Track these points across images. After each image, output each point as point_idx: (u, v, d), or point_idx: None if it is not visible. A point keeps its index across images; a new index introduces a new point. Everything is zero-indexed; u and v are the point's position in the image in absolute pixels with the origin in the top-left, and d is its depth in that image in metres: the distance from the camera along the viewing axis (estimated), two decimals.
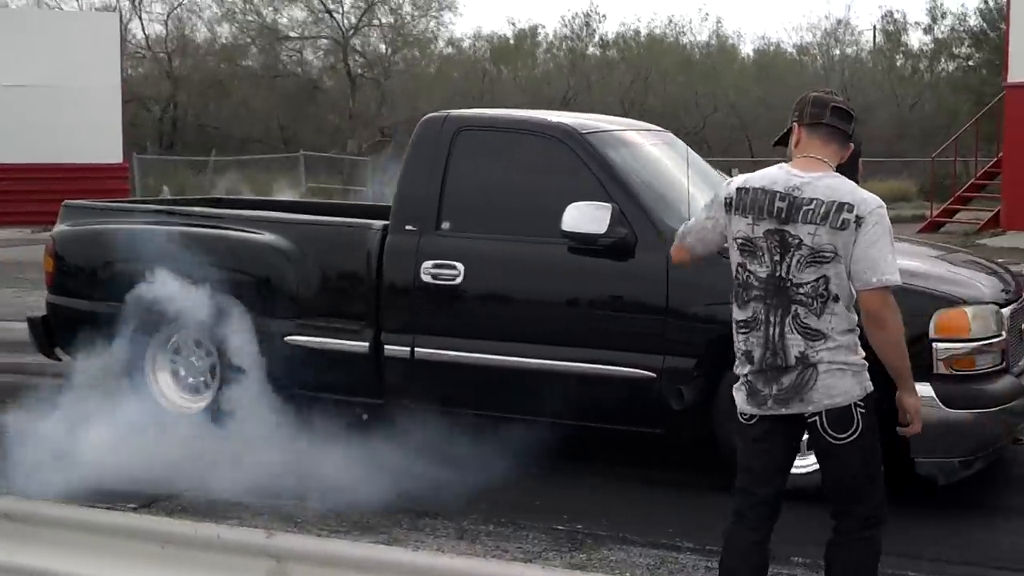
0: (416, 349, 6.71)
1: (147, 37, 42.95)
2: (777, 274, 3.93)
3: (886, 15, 43.98)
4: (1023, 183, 22.08)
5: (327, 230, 7.21)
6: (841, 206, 3.82)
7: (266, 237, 7.11)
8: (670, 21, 44.66)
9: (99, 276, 7.50)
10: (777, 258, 3.94)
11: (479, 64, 43.98)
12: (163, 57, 42.23)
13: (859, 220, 3.81)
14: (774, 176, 4.02)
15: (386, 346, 6.78)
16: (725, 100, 39.58)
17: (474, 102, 38.08)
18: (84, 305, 7.50)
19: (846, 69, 41.74)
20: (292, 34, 42.76)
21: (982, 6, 37.65)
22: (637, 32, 44.33)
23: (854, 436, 3.94)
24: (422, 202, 6.79)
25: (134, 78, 39.75)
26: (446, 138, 6.84)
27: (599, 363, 6.35)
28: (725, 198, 4.11)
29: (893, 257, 3.85)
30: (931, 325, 5.83)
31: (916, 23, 46.76)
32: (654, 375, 6.25)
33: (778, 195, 3.93)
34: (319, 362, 6.90)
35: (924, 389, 5.71)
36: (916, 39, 44.42)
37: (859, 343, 3.96)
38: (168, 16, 42.63)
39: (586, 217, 6.25)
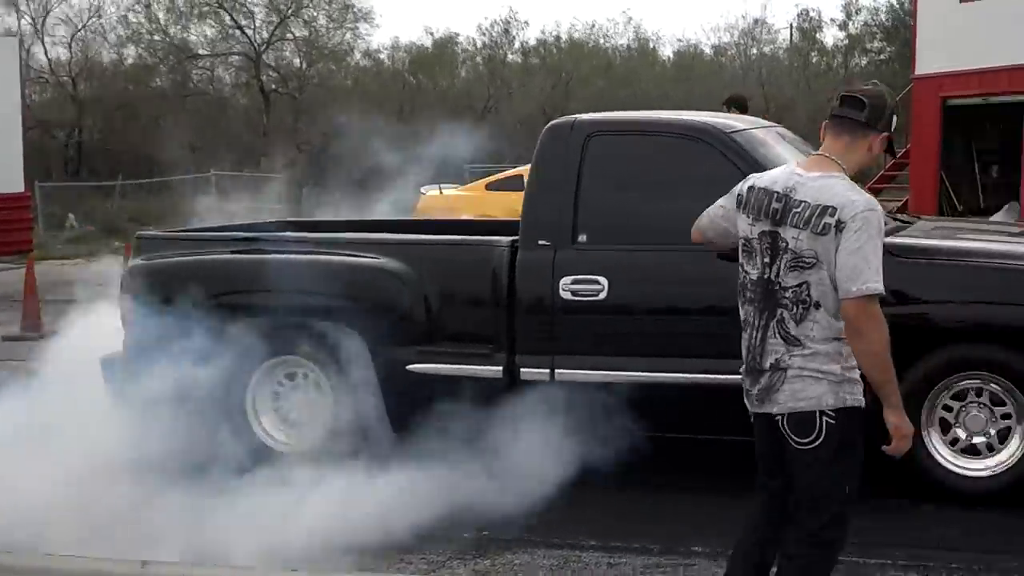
0: (556, 371, 6.38)
1: (50, 61, 41.78)
2: (766, 277, 3.82)
3: (802, 13, 44.61)
4: (929, 173, 22.42)
5: (448, 249, 6.86)
6: (824, 210, 3.65)
7: (379, 260, 6.72)
8: (592, 26, 44.55)
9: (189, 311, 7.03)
10: (767, 260, 3.81)
11: (398, 75, 43.53)
12: (67, 81, 41.06)
13: (840, 225, 3.61)
14: (777, 176, 3.90)
15: (522, 369, 6.44)
16: (646, 103, 39.58)
17: (394, 114, 37.68)
18: None
19: (763, 68, 42.18)
20: (202, 52, 41.92)
21: (894, 1, 38.36)
22: (558, 38, 44.34)
23: (815, 444, 3.78)
24: (555, 215, 6.47)
25: (38, 104, 38.63)
26: (576, 145, 6.52)
27: None
28: (738, 195, 4.02)
29: (878, 263, 3.62)
30: None
31: (831, 19, 47.60)
32: None
33: (775, 195, 3.80)
34: (446, 390, 6.51)
35: None
36: (831, 36, 45.11)
37: (847, 354, 3.76)
38: (72, 39, 41.48)
39: None
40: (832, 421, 3.75)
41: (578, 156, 6.50)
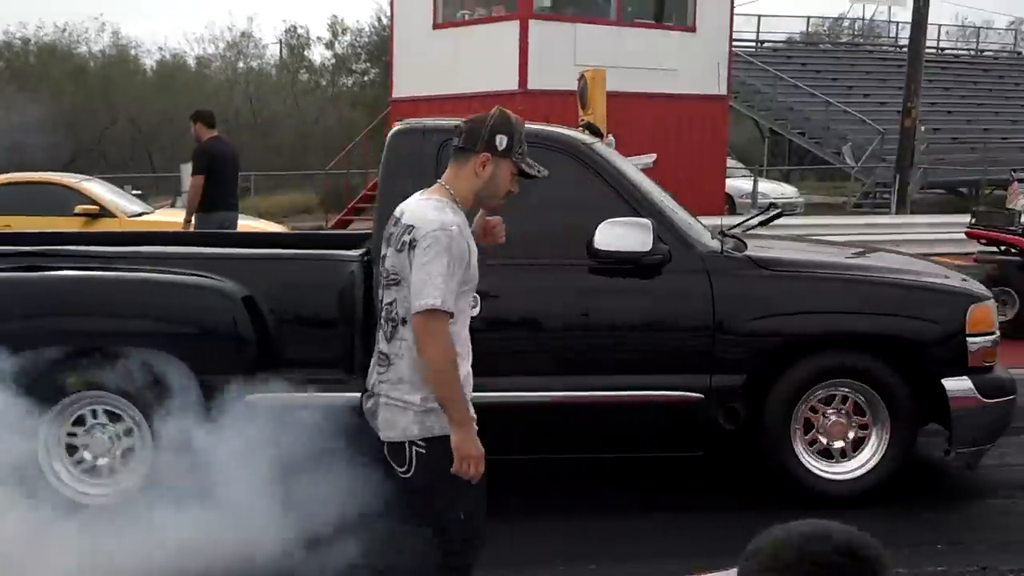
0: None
1: None
2: (380, 297, 3.93)
3: (290, 29, 44.29)
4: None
5: (290, 265, 6.17)
6: (408, 228, 3.77)
7: (205, 278, 5.93)
8: (64, 29, 41.30)
9: None
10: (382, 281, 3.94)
11: None
12: None
13: (413, 243, 3.71)
14: (406, 202, 4.00)
15: None
16: (125, 112, 37.88)
17: None
18: None
19: (251, 82, 41.60)
20: None
21: (376, 24, 39.28)
22: (25, 40, 41.03)
23: (408, 474, 3.82)
24: None
25: None
26: (431, 151, 6.09)
27: (642, 389, 6.03)
28: None
29: (443, 281, 3.65)
30: (966, 321, 6.16)
31: (319, 38, 47.47)
32: (701, 395, 6.04)
33: (394, 220, 3.92)
34: (292, 420, 5.85)
35: (964, 384, 6.12)
36: (319, 54, 45.17)
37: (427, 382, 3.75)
38: None
39: (626, 235, 5.88)
40: (422, 451, 3.75)
41: (434, 162, 6.07)
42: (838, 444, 6.22)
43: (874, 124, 29.59)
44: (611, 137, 12.68)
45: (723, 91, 23.78)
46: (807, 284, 6.23)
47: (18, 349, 5.72)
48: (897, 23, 40.14)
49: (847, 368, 6.16)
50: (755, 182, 26.94)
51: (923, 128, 27.53)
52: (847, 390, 6.20)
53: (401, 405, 3.74)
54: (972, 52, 44.16)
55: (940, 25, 44.29)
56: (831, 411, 6.20)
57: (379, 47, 39.01)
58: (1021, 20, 54.33)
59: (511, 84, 21.31)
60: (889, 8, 39.17)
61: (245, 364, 5.91)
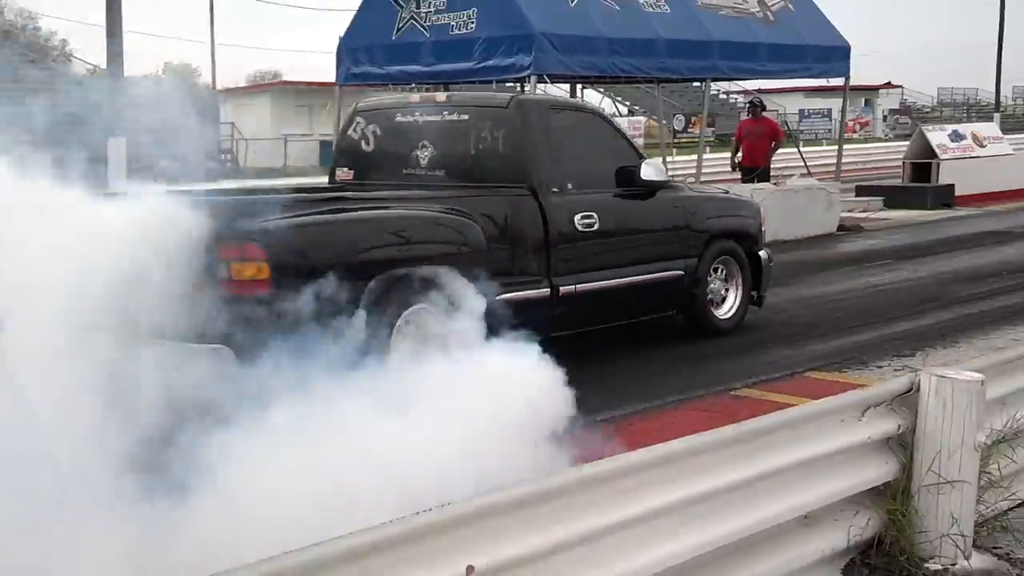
0: (577, 286, 8.44)
1: None
2: None
3: None
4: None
5: (497, 199, 8.11)
6: None
7: (456, 215, 7.75)
8: None
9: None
10: None
11: None
12: None
13: None
14: None
15: (560, 288, 8.31)
16: None
17: None
18: None
19: None
20: None
21: None
22: None
23: None
24: (549, 169, 8.43)
25: None
26: (545, 116, 8.55)
27: (665, 271, 9.23)
28: None
29: None
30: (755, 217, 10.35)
31: None
32: (682, 272, 9.40)
33: None
34: (516, 312, 7.94)
35: (765, 254, 10.37)
36: None
37: None
38: None
39: (658, 171, 9.09)
40: None
41: (549, 124, 8.55)
42: (721, 297, 9.97)
43: None
44: None
45: None
46: (716, 202, 9.99)
47: (362, 276, 7.07)
48: None
49: (726, 250, 9.94)
50: None
51: None
52: (720, 265, 9.96)
53: None
54: None
55: None
56: (715, 277, 9.91)
57: None
58: None
59: None
60: None
61: (492, 273, 7.84)
